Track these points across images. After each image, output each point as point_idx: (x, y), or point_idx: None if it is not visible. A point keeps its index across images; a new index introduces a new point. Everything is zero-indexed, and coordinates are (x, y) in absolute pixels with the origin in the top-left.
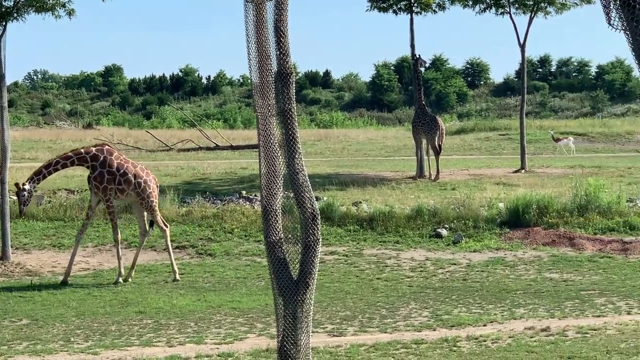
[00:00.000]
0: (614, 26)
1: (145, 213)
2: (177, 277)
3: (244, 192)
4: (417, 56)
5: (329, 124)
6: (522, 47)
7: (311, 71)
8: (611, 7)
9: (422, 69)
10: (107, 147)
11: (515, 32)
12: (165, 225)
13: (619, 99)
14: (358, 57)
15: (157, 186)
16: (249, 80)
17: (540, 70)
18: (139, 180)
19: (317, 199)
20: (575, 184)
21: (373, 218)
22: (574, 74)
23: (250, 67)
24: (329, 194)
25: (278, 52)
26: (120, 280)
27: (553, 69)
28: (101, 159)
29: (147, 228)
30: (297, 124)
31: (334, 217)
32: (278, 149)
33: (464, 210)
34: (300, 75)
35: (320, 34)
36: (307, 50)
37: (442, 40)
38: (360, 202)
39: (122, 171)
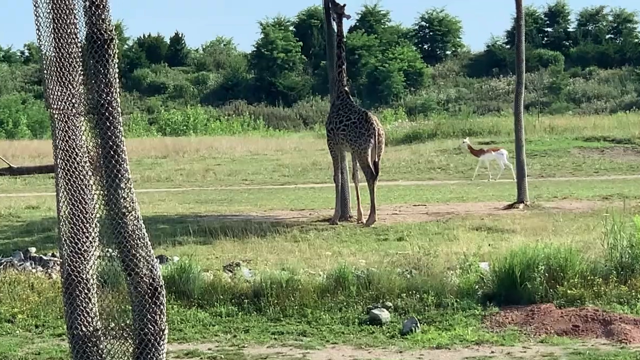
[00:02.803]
0: None
1: None
2: None
3: (32, 249)
4: (337, 5)
5: (181, 128)
6: None
7: (148, 36)
8: None
9: (345, 29)
10: None
11: None
12: None
13: None
14: (231, 11)
15: None
16: (39, 53)
17: (549, 29)
18: None
19: (162, 259)
20: (612, 228)
21: (261, 292)
22: (607, 37)
23: (38, 30)
24: (182, 251)
25: (88, 3)
26: None
27: (572, 27)
28: None
29: None
30: (122, 129)
31: (191, 291)
32: (90, 174)
33: (419, 276)
34: (129, 42)
35: None
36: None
37: None
38: (239, 265)
39: None
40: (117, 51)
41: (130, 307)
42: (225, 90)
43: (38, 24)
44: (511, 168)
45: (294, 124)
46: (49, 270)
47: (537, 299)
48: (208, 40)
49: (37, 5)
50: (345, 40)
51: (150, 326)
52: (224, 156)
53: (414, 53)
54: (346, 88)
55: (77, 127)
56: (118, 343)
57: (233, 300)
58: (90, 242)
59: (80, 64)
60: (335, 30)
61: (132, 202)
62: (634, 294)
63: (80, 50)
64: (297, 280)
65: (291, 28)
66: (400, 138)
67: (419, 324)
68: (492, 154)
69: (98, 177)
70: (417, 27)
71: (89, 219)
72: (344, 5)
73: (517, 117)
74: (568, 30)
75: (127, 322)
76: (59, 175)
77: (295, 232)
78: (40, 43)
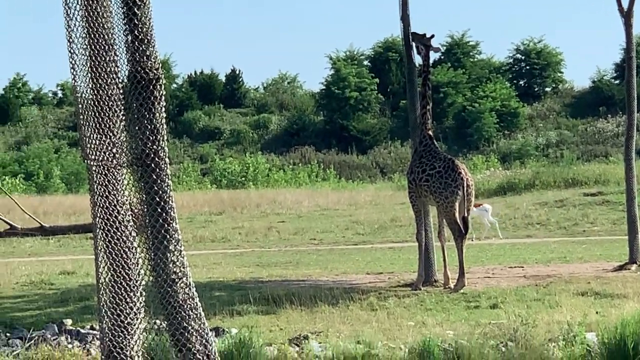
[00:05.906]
0: None
1: None
2: None
3: (68, 321)
4: (423, 36)
5: (239, 180)
6: (627, 17)
7: (201, 73)
8: None
9: (431, 63)
10: None
11: None
12: None
13: None
14: (296, 44)
15: None
16: (74, 95)
17: None
18: None
19: (218, 332)
20: None
21: None
22: None
23: (73, 69)
24: (241, 322)
25: (130, 38)
26: None
27: None
28: None
29: None
30: (170, 182)
31: None
32: (133, 234)
33: (516, 349)
34: (178, 81)
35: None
36: (192, 32)
37: (465, 10)
38: (307, 338)
39: None
40: (164, 92)
41: None
42: (289, 135)
43: (73, 62)
44: (497, 226)
45: (370, 173)
46: (87, 346)
47: None
48: (269, 77)
49: (71, 40)
50: (432, 73)
51: None
52: (288, 212)
53: (508, 90)
54: (430, 132)
55: (119, 180)
56: None
57: None
58: (135, 313)
59: (122, 107)
60: (419, 65)
61: (183, 267)
62: None
63: (121, 91)
64: (375, 355)
65: (365, 62)
66: (492, 189)
67: None
68: (475, 210)
69: (143, 238)
70: (511, 60)
71: (133, 287)
72: (432, 35)
73: (628, 164)
74: None
75: None
76: (98, 236)
77: (372, 299)
78: (76, 83)
